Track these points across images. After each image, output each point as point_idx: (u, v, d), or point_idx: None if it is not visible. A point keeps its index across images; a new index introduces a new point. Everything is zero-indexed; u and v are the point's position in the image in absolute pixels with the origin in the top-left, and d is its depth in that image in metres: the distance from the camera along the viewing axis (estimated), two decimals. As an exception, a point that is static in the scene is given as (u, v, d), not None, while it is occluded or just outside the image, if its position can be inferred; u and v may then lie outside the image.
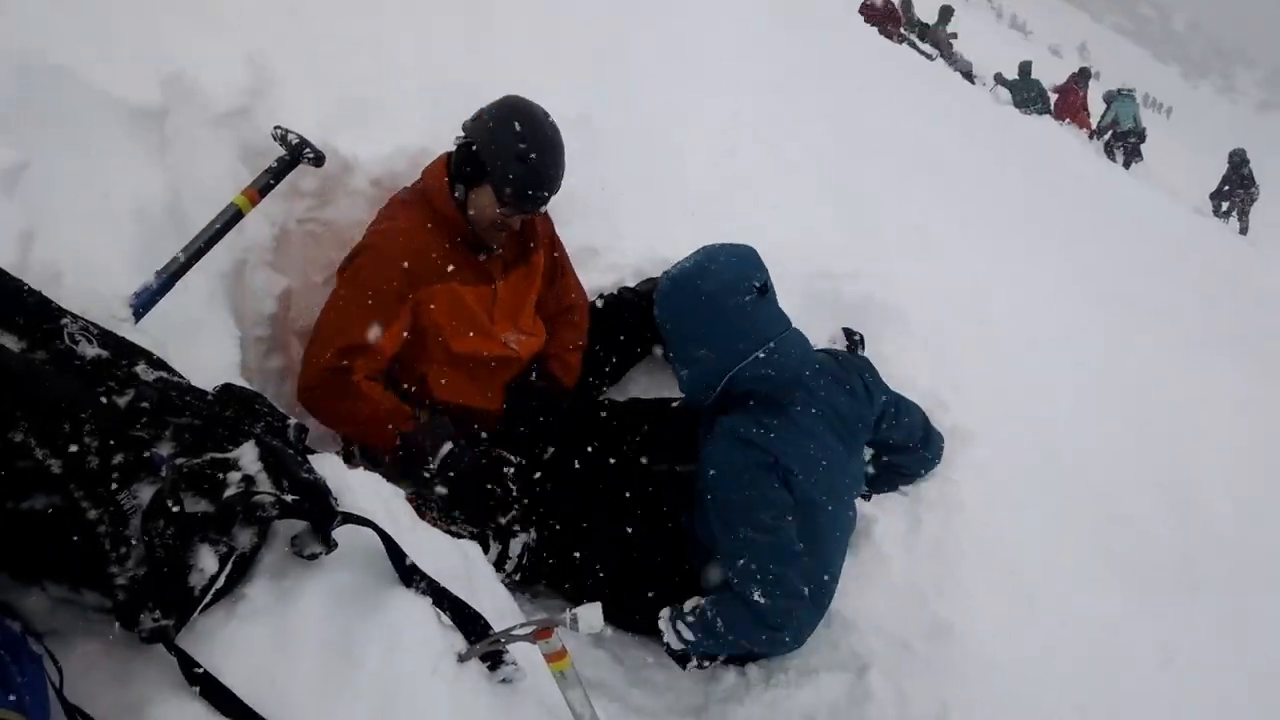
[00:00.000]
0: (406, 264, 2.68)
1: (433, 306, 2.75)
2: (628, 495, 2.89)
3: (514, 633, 1.68)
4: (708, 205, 4.08)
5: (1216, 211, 17.53)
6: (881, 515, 2.96)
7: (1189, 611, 3.10)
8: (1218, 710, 2.86)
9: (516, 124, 2.62)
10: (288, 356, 2.90)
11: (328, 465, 1.82)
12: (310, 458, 1.77)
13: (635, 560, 2.76)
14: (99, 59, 2.50)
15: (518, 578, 2.79)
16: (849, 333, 3.51)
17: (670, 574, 2.70)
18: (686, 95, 5.15)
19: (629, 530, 2.80)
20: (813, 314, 3.74)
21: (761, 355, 2.46)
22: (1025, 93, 17.18)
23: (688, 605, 2.53)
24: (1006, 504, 3.07)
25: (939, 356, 3.68)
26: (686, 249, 3.56)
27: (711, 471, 2.48)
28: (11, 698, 1.20)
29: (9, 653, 1.26)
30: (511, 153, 2.61)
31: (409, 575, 1.69)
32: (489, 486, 2.81)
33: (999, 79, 17.70)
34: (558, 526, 2.85)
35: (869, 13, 14.57)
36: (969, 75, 16.64)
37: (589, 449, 3.02)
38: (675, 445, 2.95)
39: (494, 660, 1.70)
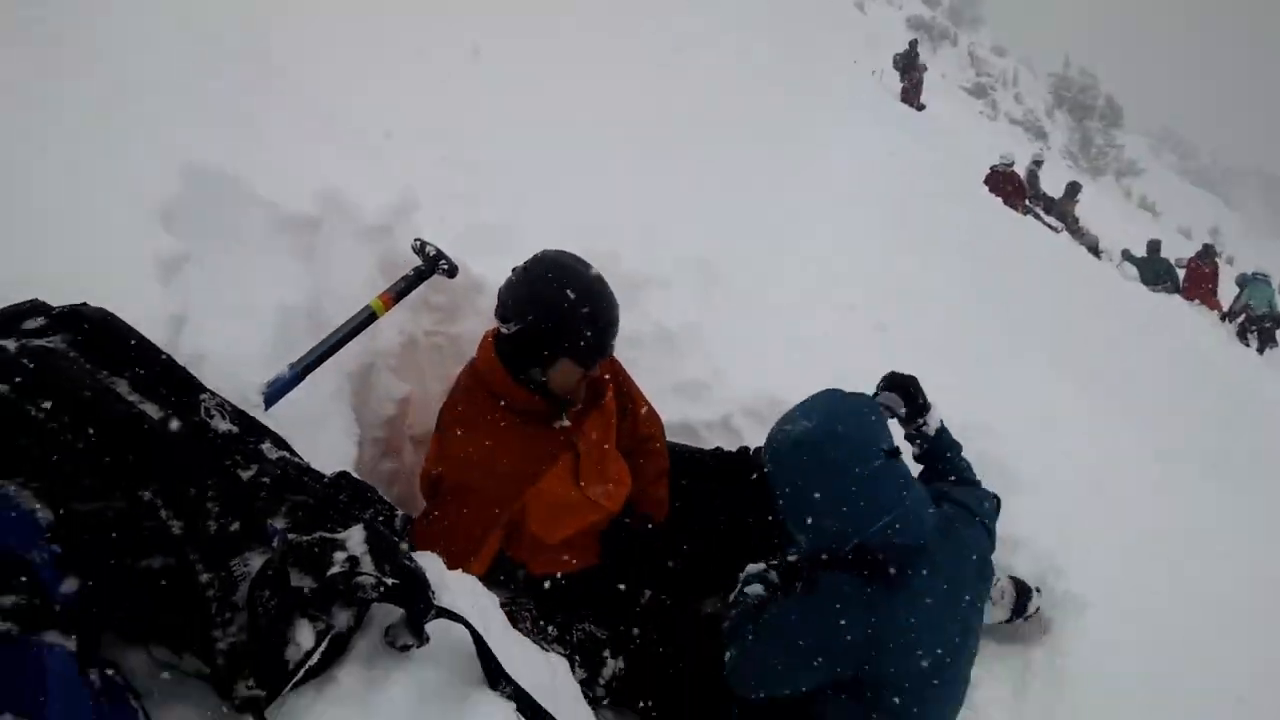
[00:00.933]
0: (494, 490, 2.63)
1: (527, 514, 2.71)
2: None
3: (593, 748, 1.65)
4: (818, 347, 4.10)
5: (1363, 405, 16.68)
6: (987, 677, 2.83)
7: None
8: None
9: (569, 290, 2.56)
10: (400, 460, 2.99)
11: (429, 561, 1.86)
12: (414, 554, 1.80)
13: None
14: (262, 171, 2.71)
15: (605, 702, 2.73)
16: (1019, 585, 3.36)
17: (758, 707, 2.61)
18: (808, 239, 5.26)
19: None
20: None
21: (888, 521, 2.24)
22: (1153, 270, 16.90)
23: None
24: (1117, 674, 2.89)
25: (1055, 520, 3.56)
26: (794, 388, 3.59)
27: (790, 616, 2.32)
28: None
29: (110, 704, 1.30)
30: (580, 319, 2.56)
31: (496, 678, 1.68)
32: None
33: (1126, 255, 17.50)
34: (648, 659, 2.80)
35: (994, 183, 14.70)
36: (1095, 250, 16.50)
37: (682, 587, 2.97)
38: None
39: (570, 774, 1.66)
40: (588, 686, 2.71)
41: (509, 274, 2.68)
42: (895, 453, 2.25)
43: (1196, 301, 16.97)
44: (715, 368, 3.66)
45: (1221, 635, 3.52)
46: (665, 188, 4.74)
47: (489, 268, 3.14)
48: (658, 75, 6.95)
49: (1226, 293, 17.86)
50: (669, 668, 2.77)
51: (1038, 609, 3.21)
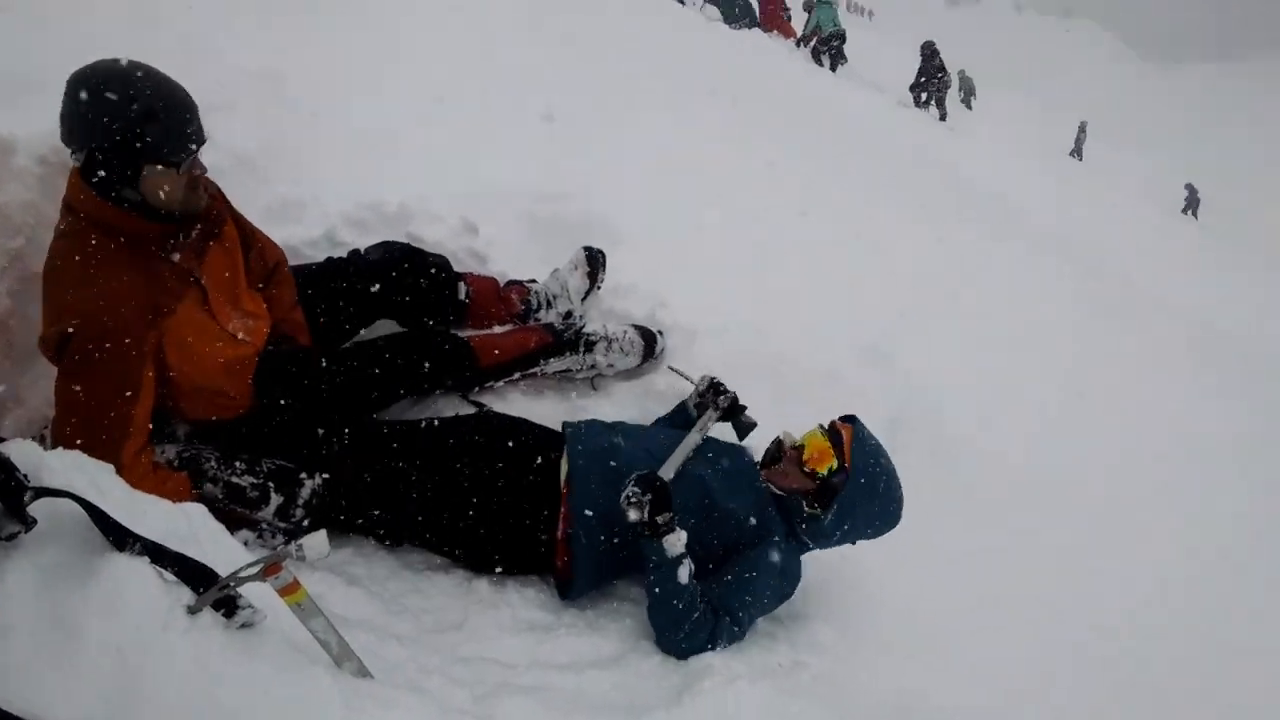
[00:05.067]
0: (127, 326, 2.43)
1: (168, 350, 2.55)
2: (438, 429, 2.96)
3: (240, 574, 1.70)
4: (415, 146, 4.08)
5: (917, 102, 18.89)
6: (613, 408, 3.16)
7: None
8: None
9: (110, 94, 2.34)
10: (-29, 354, 2.73)
11: (18, 448, 1.76)
12: (-5, 442, 1.71)
13: (465, 491, 2.83)
14: None
15: (305, 524, 2.74)
16: (590, 251, 3.63)
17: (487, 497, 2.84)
18: (385, 41, 5.07)
19: (455, 464, 2.85)
20: (534, 237, 3.88)
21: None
22: (732, 8, 17.76)
23: (685, 569, 2.68)
24: (733, 384, 3.28)
25: (657, 265, 3.89)
26: (396, 192, 3.60)
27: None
28: None
29: None
30: (147, 117, 2.37)
31: (121, 539, 1.66)
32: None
33: (706, -4, 18.21)
34: (354, 466, 2.83)
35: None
36: (678, -6, 17.05)
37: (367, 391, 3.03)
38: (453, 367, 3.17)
39: (229, 607, 1.71)
40: (285, 512, 2.73)
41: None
42: None
43: (775, 32, 18.17)
44: (307, 184, 3.55)
45: (813, 314, 4.12)
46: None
47: (14, 123, 2.82)
48: None
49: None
50: (372, 476, 2.83)
51: (662, 349, 3.57)
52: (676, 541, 2.65)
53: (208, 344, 2.67)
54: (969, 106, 25.28)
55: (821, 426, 2.94)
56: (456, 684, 2.28)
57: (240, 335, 2.77)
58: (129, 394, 2.45)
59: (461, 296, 3.40)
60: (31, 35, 3.28)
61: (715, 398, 3.15)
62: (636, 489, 2.64)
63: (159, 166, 2.44)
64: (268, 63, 3.78)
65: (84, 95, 2.34)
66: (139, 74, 2.40)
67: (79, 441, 2.35)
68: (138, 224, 2.50)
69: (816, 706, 2.57)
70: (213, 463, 2.73)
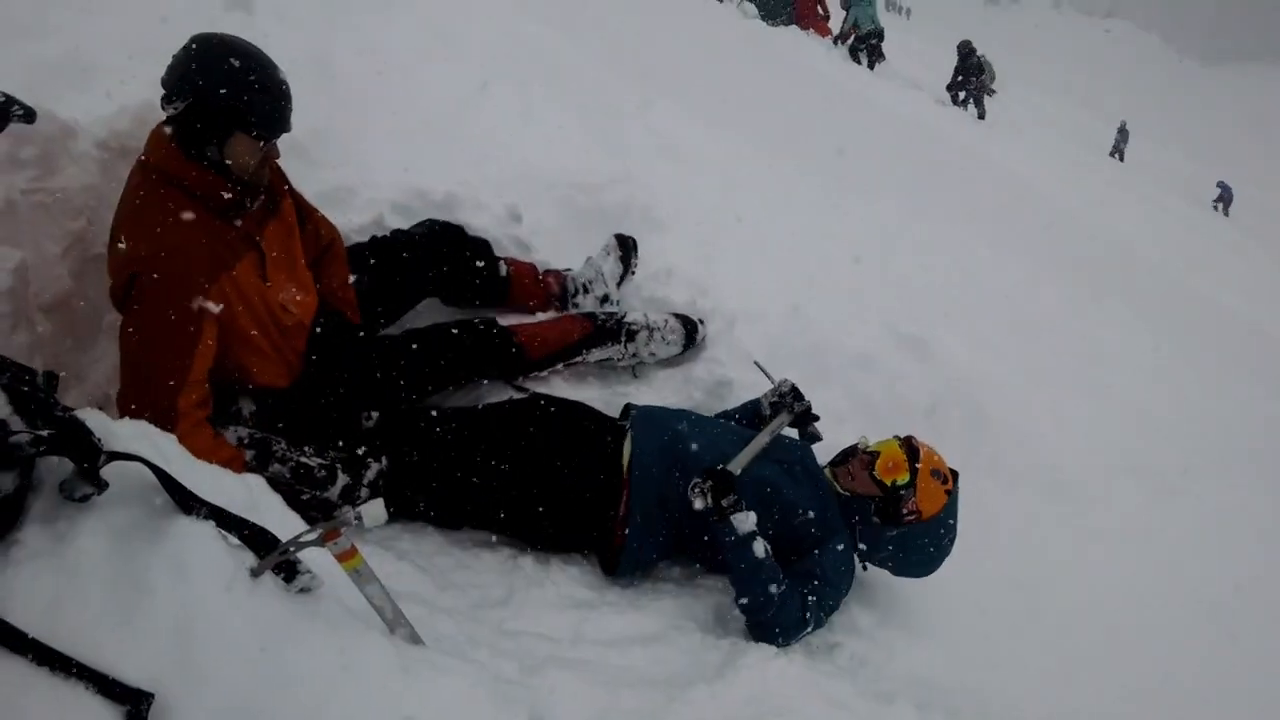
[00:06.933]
0: (192, 273, 2.55)
1: (221, 306, 2.63)
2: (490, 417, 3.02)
3: (301, 539, 1.75)
4: (459, 134, 4.13)
5: (954, 101, 18.76)
6: (655, 396, 3.17)
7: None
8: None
9: (233, 59, 2.51)
10: (33, 333, 2.79)
11: (89, 415, 1.83)
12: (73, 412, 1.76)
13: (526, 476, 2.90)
14: None
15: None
16: (621, 238, 3.68)
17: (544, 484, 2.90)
18: (430, 30, 5.13)
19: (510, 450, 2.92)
20: (576, 225, 3.92)
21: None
22: (770, 6, 17.72)
23: (760, 544, 2.74)
24: (772, 370, 3.32)
25: (695, 249, 3.92)
26: (443, 179, 3.65)
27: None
28: None
29: None
30: (249, 87, 2.52)
31: (188, 504, 1.72)
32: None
33: (744, -7, 18.17)
34: (417, 452, 2.90)
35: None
36: (716, -9, 17.04)
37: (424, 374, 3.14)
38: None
39: (289, 572, 1.76)
40: (350, 494, 2.81)
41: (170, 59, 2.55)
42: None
43: (811, 31, 18.08)
44: (356, 170, 3.61)
45: (848, 302, 4.13)
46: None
47: (79, 109, 2.90)
48: None
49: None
50: (437, 460, 2.90)
51: (703, 337, 3.61)
52: (745, 520, 2.72)
53: (262, 306, 2.77)
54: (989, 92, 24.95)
55: (898, 438, 2.99)
56: (504, 656, 2.33)
57: (290, 308, 2.87)
58: (187, 341, 2.54)
59: (502, 274, 3.49)
60: (92, 22, 3.35)
61: (793, 402, 3.19)
62: (699, 479, 2.73)
63: (247, 136, 2.58)
64: (316, 50, 3.84)
65: (212, 52, 2.51)
66: (264, 56, 2.60)
67: (137, 388, 2.50)
68: (212, 181, 2.61)
69: (852, 685, 2.61)
70: (282, 444, 2.81)
